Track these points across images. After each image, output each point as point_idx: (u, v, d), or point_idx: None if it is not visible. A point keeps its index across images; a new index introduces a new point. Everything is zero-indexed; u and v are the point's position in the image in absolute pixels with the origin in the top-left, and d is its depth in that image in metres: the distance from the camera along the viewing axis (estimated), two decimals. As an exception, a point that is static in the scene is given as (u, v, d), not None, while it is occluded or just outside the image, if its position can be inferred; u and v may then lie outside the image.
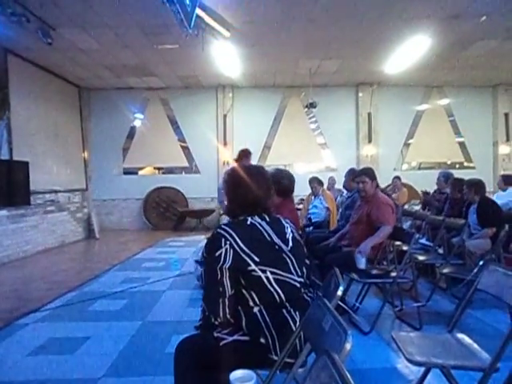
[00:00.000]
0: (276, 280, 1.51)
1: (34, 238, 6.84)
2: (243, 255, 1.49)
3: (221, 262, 1.48)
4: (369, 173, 3.56)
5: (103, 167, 9.91)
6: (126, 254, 6.52)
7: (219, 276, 1.49)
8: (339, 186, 7.19)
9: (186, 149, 10.08)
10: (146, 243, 7.66)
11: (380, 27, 6.22)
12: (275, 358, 1.48)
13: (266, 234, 1.57)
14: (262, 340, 1.48)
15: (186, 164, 10.11)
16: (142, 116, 10.11)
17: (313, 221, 5.34)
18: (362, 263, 3.05)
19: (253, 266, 1.49)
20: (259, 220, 1.61)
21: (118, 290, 4.36)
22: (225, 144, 9.78)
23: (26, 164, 6.81)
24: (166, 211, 9.84)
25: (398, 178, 7.70)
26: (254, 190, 1.65)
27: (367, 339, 2.92)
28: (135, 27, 6.17)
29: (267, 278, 1.50)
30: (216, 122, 9.89)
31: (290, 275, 1.55)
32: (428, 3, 5.43)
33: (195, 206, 9.94)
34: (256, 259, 1.49)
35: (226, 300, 1.50)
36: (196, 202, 9.97)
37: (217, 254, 1.49)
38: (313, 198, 5.67)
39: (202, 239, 5.37)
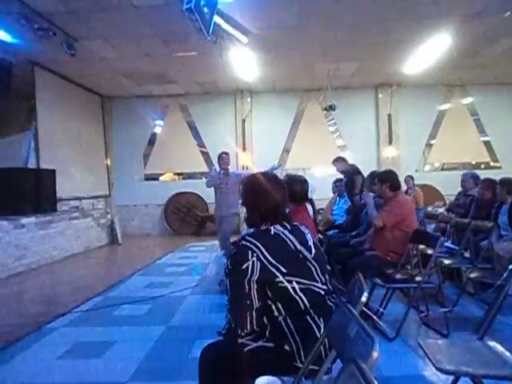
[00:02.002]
0: (301, 289, 1.50)
1: (60, 244, 7.04)
2: (270, 267, 1.47)
3: (248, 275, 1.46)
4: (380, 176, 3.55)
5: (125, 174, 10.12)
6: (149, 259, 6.61)
7: (247, 289, 1.47)
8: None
9: (205, 154, 10.17)
10: (168, 248, 7.76)
11: (400, 28, 6.15)
12: (300, 365, 1.48)
13: (290, 243, 1.56)
14: (287, 347, 1.48)
15: (206, 169, 10.21)
16: (162, 122, 10.29)
17: (335, 223, 5.27)
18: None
19: (280, 278, 1.47)
20: (281, 229, 1.60)
21: (141, 294, 4.43)
22: (244, 149, 9.83)
23: (53, 172, 7.03)
24: (186, 216, 9.95)
25: (410, 176, 7.51)
26: (275, 197, 1.64)
27: (392, 345, 2.86)
28: (155, 36, 6.31)
29: (293, 288, 1.48)
30: (235, 126, 9.96)
31: (314, 283, 1.54)
32: (449, 1, 5.33)
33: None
34: (283, 270, 1.47)
35: (254, 313, 1.49)
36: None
37: (243, 266, 1.47)
38: (338, 198, 5.58)
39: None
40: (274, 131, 9.94)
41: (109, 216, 9.27)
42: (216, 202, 5.12)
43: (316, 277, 1.56)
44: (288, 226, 1.62)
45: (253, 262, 1.46)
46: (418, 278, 3.12)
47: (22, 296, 4.66)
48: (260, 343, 1.53)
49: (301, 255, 1.56)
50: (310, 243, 1.63)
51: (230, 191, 4.96)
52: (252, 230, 1.65)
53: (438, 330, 3.07)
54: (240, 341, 1.55)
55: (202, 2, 4.79)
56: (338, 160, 5.37)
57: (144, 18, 5.64)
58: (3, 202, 6.15)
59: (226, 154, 5.12)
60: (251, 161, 9.87)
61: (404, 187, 6.63)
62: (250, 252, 1.48)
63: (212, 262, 6.13)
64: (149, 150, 10.30)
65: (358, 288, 1.68)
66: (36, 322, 3.57)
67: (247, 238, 1.54)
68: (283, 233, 1.58)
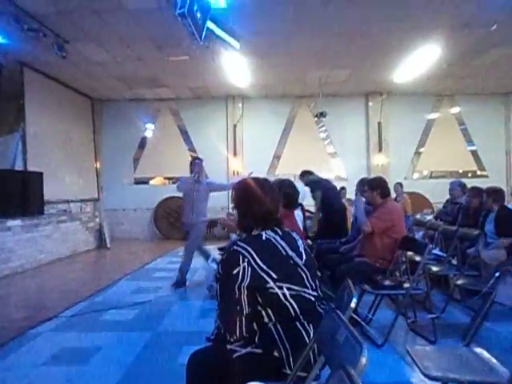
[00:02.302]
0: (292, 295, 1.49)
1: (47, 247, 6.93)
2: (261, 272, 1.46)
3: (239, 281, 1.45)
4: (370, 183, 3.58)
5: (114, 177, 10.02)
6: (137, 264, 6.55)
7: (237, 295, 1.45)
8: (349, 195, 7.17)
9: (195, 159, 10.13)
10: (157, 253, 7.69)
11: (390, 37, 6.25)
12: (289, 371, 1.47)
13: (281, 249, 1.55)
14: (276, 354, 1.47)
15: (196, 174, 10.16)
16: (152, 126, 10.24)
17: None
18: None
19: (271, 284, 1.46)
20: (273, 234, 1.59)
21: (129, 299, 4.38)
22: (234, 154, 9.84)
23: (40, 174, 6.92)
24: (176, 221, 9.86)
25: (399, 184, 7.60)
26: (267, 202, 1.64)
27: (380, 352, 2.87)
28: (147, 40, 6.29)
29: (283, 294, 1.47)
30: (226, 132, 9.97)
31: (304, 289, 1.53)
32: (438, 13, 5.44)
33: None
34: (274, 276, 1.46)
35: (243, 318, 1.48)
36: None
37: (234, 271, 1.46)
38: None
39: (211, 249, 5.35)
40: (265, 137, 9.98)
41: (97, 220, 9.16)
42: (183, 209, 5.04)
43: (307, 283, 1.56)
44: (279, 232, 1.62)
45: (244, 267, 1.45)
46: (407, 285, 3.15)
47: (6, 300, 4.56)
48: (249, 349, 1.51)
49: (292, 261, 1.55)
50: (301, 249, 1.63)
51: (200, 198, 4.89)
52: (243, 236, 1.64)
53: (426, 336, 3.10)
54: (229, 347, 1.54)
55: (195, 7, 4.80)
56: (303, 174, 5.48)
57: (137, 21, 5.62)
58: (-11, 204, 6.04)
59: (200, 159, 5.11)
60: (242, 166, 9.87)
61: (393, 194, 6.70)
62: (241, 257, 1.47)
63: (201, 267, 6.09)
64: (139, 154, 10.23)
65: (348, 294, 1.69)
66: (21, 327, 3.49)
67: (238, 243, 1.53)
68: (275, 238, 1.58)
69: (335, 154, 10.20)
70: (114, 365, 2.72)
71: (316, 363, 1.45)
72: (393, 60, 7.32)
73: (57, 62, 6.79)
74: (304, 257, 1.61)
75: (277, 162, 10.07)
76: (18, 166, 6.77)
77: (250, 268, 1.45)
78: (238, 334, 1.48)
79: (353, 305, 1.57)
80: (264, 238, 1.57)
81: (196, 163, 5.01)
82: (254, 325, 1.51)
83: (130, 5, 5.19)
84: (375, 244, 3.38)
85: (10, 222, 6.02)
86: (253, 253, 1.48)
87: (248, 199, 1.66)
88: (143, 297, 4.47)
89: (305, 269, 1.57)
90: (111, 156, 10.00)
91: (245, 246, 1.50)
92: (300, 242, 1.66)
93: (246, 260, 1.46)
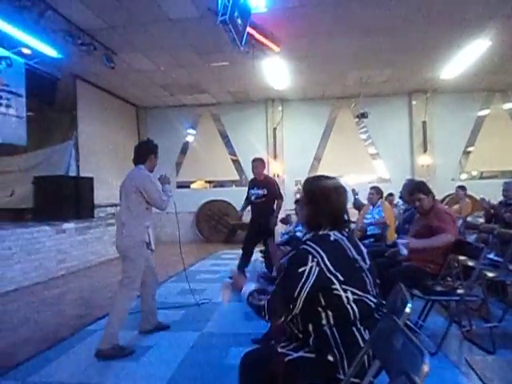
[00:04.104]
0: (355, 300, 1.45)
1: (97, 249, 7.29)
2: (328, 274, 1.43)
3: (303, 280, 1.43)
4: (422, 189, 3.44)
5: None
6: (181, 266, 6.69)
7: (296, 294, 1.43)
8: (395, 197, 6.93)
9: (236, 162, 10.29)
10: (199, 255, 7.84)
11: (437, 33, 6.01)
12: (342, 376, 1.44)
13: (348, 251, 1.52)
14: (330, 358, 1.44)
15: (237, 177, 10.30)
16: (194, 131, 10.51)
17: (368, 233, 5.14)
18: (404, 251, 2.97)
19: (336, 285, 1.43)
20: (340, 235, 1.55)
21: (175, 300, 4.50)
22: (274, 157, 9.86)
23: (91, 179, 7.32)
24: (217, 224, 10.05)
25: (461, 187, 7.22)
26: (342, 202, 1.61)
27: (433, 360, 2.73)
28: (189, 48, 6.49)
29: (347, 297, 1.44)
30: (266, 135, 10.02)
31: (367, 295, 1.50)
32: (488, 4, 5.17)
33: (246, 218, 10.02)
34: (340, 278, 1.43)
35: (291, 316, 1.48)
36: (247, 214, 10.04)
37: (300, 270, 1.43)
38: (371, 207, 5.45)
39: (254, 252, 5.38)
40: (305, 139, 9.92)
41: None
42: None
43: (369, 289, 1.52)
44: (345, 233, 1.58)
45: (311, 267, 1.43)
46: (460, 291, 2.99)
47: (62, 298, 4.85)
48: (301, 353, 1.50)
49: (357, 265, 1.52)
50: (365, 254, 1.59)
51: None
52: (310, 235, 1.60)
53: (483, 346, 2.92)
54: (280, 350, 1.54)
55: (236, 14, 4.89)
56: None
57: (179, 30, 5.82)
58: (47, 208, 6.47)
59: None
60: (282, 169, 9.87)
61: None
62: (310, 256, 1.45)
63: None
64: (181, 159, 10.53)
65: (401, 299, 1.63)
66: (76, 324, 3.70)
67: (308, 242, 1.51)
68: (342, 239, 1.54)
69: (377, 155, 9.93)
70: (165, 364, 2.80)
71: (370, 367, 1.42)
72: (439, 57, 7.04)
73: (105, 73, 7.19)
74: (368, 262, 1.57)
75: (317, 165, 9.97)
76: (72, 172, 7.21)
77: (317, 268, 1.43)
78: (277, 323, 1.48)
79: (408, 310, 1.52)
80: (332, 238, 1.53)
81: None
82: (310, 326, 1.50)
83: (173, 15, 5.39)
84: (425, 248, 3.25)
85: (66, 225, 6.40)
86: (322, 253, 1.45)
87: (325, 196, 1.60)
88: (188, 298, 4.56)
89: (369, 274, 1.54)
90: (155, 161, 10.34)
91: (314, 245, 1.48)
92: (363, 247, 1.62)
93: (315, 260, 1.44)
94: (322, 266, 1.43)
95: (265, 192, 5.10)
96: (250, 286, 1.68)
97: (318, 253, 1.45)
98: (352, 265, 1.51)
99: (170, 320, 3.79)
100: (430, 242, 3.11)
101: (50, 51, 5.73)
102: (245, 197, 5.49)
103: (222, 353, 2.93)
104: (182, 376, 2.62)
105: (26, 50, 5.88)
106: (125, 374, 2.67)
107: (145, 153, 3.52)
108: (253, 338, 3.02)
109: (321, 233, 1.57)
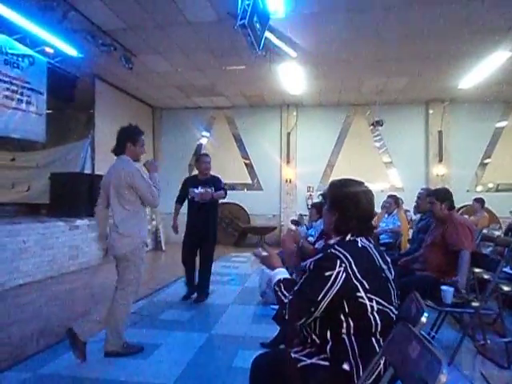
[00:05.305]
0: (378, 310, 1.41)
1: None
2: (355, 281, 1.39)
3: (328, 284, 1.39)
4: (438, 194, 3.38)
5: (170, 182, 10.42)
6: (191, 267, 6.71)
7: (320, 297, 1.39)
8: (407, 206, 6.85)
9: (249, 166, 10.30)
10: (209, 257, 7.84)
11: (456, 43, 5.95)
12: (357, 386, 1.42)
13: (376, 260, 1.48)
14: (346, 367, 1.40)
15: (249, 181, 10.31)
16: (208, 134, 10.57)
17: (381, 241, 5.09)
18: (449, 298, 2.82)
19: (362, 293, 1.39)
20: (367, 242, 1.52)
21: (184, 301, 4.51)
22: (288, 162, 9.85)
23: (105, 178, 7.40)
24: (228, 227, 10.05)
25: (477, 200, 7.08)
26: (371, 208, 1.58)
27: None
28: (206, 50, 6.55)
29: (372, 306, 1.40)
30: (279, 139, 10.03)
31: (390, 306, 1.45)
32: (508, 14, 5.10)
33: (257, 222, 10.04)
34: (366, 286, 1.39)
35: (310, 319, 1.45)
36: (258, 218, 10.07)
37: (327, 273, 1.39)
38: (386, 215, 5.40)
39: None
40: (318, 145, 9.89)
41: (154, 223, 9.57)
42: None
43: (393, 300, 1.48)
44: (371, 240, 1.55)
45: (338, 272, 1.39)
46: (475, 304, 2.92)
47: (73, 294, 4.90)
48: (314, 360, 1.46)
49: (383, 274, 1.48)
50: (390, 263, 1.55)
51: None
52: (337, 239, 1.57)
53: (497, 361, 2.85)
54: (293, 356, 1.51)
55: (255, 19, 4.92)
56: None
57: (197, 33, 5.88)
58: (61, 204, 6.58)
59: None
60: (294, 174, 9.85)
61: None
62: (338, 261, 1.40)
63: (253, 272, 6.13)
64: (194, 160, 10.57)
65: (416, 307, 1.60)
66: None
67: (336, 247, 1.46)
68: (369, 247, 1.51)
69: (391, 163, 9.83)
70: (173, 362, 2.80)
71: (384, 375, 1.39)
72: (459, 66, 6.96)
73: (123, 74, 7.29)
74: (393, 272, 1.53)
75: (330, 171, 9.92)
76: (87, 170, 7.31)
77: (344, 274, 1.39)
78: (295, 326, 1.44)
79: (424, 319, 1.49)
80: (360, 245, 1.50)
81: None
82: (328, 332, 1.46)
83: (192, 18, 5.44)
84: (440, 258, 3.19)
85: (79, 222, 6.49)
86: (350, 259, 1.41)
87: (355, 201, 1.55)
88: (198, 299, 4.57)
89: (393, 285, 1.50)
90: (168, 162, 10.43)
91: (343, 251, 1.44)
92: (387, 257, 1.58)
93: (344, 266, 1.39)
94: (350, 272, 1.39)
95: (213, 190, 4.73)
96: (283, 272, 1.63)
97: (347, 258, 1.41)
98: (379, 274, 1.47)
99: (181, 319, 3.80)
100: (465, 270, 3.02)
101: (71, 50, 5.84)
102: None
103: (229, 355, 2.92)
104: (190, 376, 2.61)
105: (48, 49, 6.01)
106: (134, 370, 2.68)
107: (122, 139, 3.05)
108: (261, 342, 3.01)
109: (348, 238, 1.53)
